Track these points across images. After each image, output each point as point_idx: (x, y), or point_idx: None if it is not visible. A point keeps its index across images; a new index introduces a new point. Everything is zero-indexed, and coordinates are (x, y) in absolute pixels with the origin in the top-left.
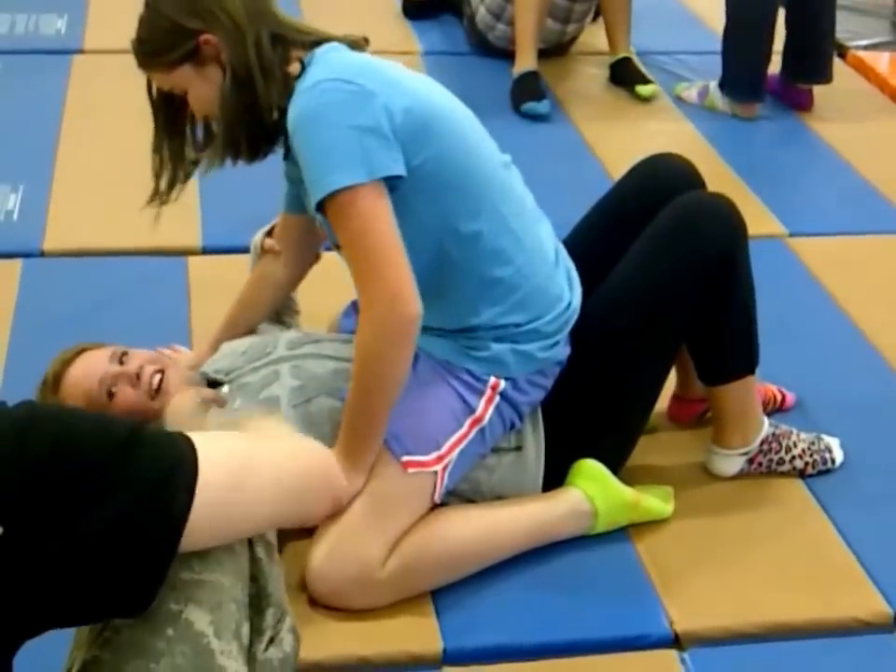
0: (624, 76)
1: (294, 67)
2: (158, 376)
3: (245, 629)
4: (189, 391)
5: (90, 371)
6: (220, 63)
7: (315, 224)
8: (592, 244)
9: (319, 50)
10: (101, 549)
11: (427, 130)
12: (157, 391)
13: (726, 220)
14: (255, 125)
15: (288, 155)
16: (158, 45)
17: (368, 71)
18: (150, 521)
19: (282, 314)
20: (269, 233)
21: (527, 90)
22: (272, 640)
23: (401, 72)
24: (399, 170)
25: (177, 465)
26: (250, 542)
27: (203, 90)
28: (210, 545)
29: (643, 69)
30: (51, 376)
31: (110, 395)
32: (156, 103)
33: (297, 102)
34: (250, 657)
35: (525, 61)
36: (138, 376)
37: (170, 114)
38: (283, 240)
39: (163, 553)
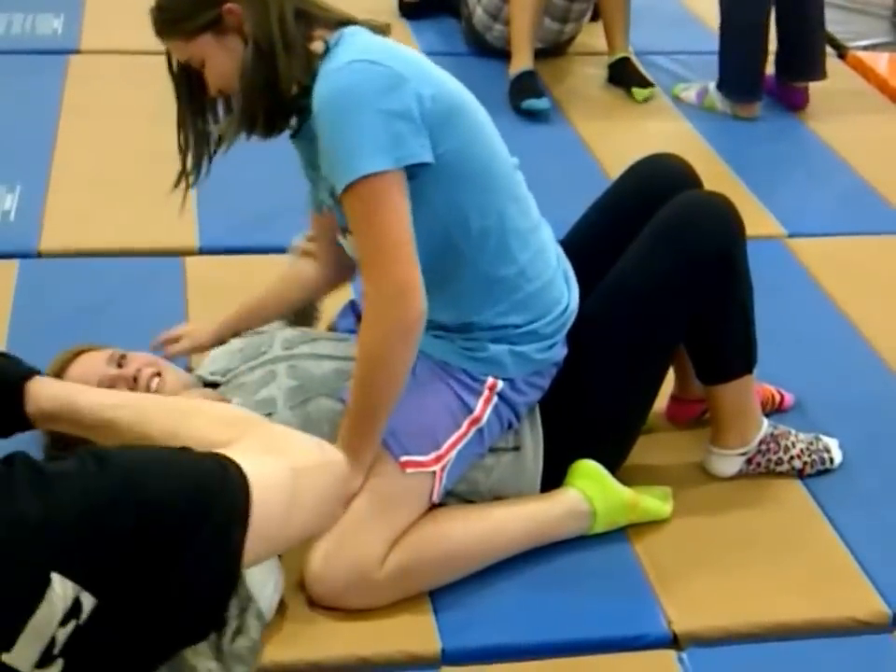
0: (623, 76)
1: (317, 45)
2: (156, 379)
3: None
4: (194, 393)
5: (87, 373)
6: (242, 33)
7: None
8: (589, 243)
9: (347, 31)
10: (180, 601)
11: (450, 120)
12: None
13: (724, 219)
14: (273, 99)
15: (297, 134)
16: (179, 12)
17: (397, 55)
18: (215, 572)
19: (300, 318)
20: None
21: (526, 87)
22: (238, 630)
23: (425, 60)
24: (426, 156)
25: (238, 517)
26: None
27: (222, 60)
28: None
29: (642, 69)
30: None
31: None
32: (176, 76)
33: (327, 80)
34: (218, 650)
35: (522, 61)
36: (135, 379)
37: (193, 86)
38: (316, 240)
39: (225, 601)
